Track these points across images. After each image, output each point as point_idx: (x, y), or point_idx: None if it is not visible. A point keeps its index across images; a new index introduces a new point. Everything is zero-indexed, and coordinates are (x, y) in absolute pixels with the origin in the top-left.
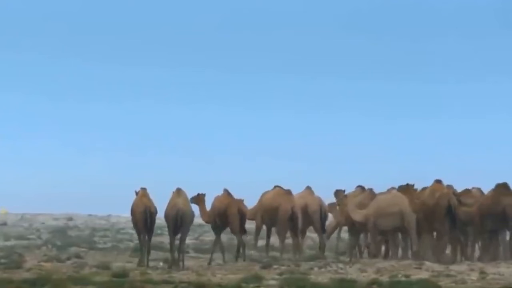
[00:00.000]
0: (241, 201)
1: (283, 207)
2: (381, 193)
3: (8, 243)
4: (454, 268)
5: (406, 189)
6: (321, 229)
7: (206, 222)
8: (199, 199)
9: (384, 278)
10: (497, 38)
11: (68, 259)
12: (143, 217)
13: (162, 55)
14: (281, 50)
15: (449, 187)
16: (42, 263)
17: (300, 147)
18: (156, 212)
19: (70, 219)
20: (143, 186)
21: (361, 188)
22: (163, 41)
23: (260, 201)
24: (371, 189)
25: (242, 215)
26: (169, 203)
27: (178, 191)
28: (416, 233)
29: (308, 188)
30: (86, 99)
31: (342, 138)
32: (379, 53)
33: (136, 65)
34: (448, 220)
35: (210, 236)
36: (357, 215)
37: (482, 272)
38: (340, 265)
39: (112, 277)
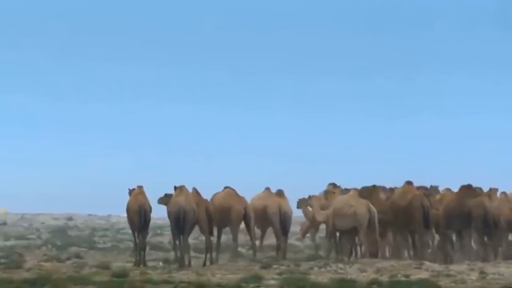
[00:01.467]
0: (207, 201)
1: (236, 208)
2: (341, 194)
3: (8, 243)
4: (454, 268)
5: (373, 190)
6: (281, 231)
7: None
8: (165, 199)
9: (384, 278)
10: (497, 37)
11: (68, 259)
12: (138, 215)
13: (162, 55)
14: (281, 50)
15: (421, 188)
16: (42, 263)
17: (300, 147)
18: (151, 211)
19: (70, 219)
20: (140, 184)
21: (333, 185)
22: (163, 41)
23: (210, 202)
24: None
25: (210, 215)
26: (171, 202)
27: (181, 189)
28: (379, 234)
29: (267, 189)
30: (86, 99)
31: (342, 138)
32: (379, 53)
33: (136, 65)
34: (421, 221)
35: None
36: (320, 216)
37: (482, 272)
38: (340, 265)
39: (112, 277)
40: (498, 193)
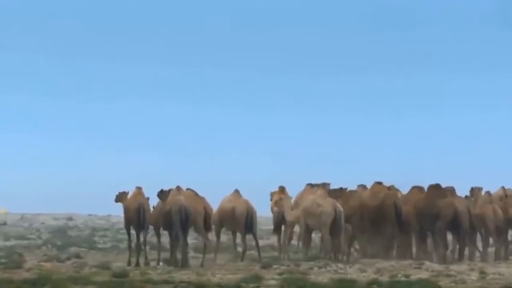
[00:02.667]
0: (204, 199)
1: (195, 209)
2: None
3: (8, 243)
4: (454, 268)
5: (339, 192)
6: (247, 232)
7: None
8: (122, 197)
9: (384, 278)
10: (497, 37)
11: (68, 259)
12: (137, 214)
13: (162, 55)
14: (281, 49)
15: (392, 187)
16: (42, 263)
17: (300, 147)
18: (149, 210)
19: (70, 219)
20: (139, 185)
21: (310, 185)
22: (163, 40)
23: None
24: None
25: (208, 214)
26: (169, 201)
27: (178, 188)
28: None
29: (236, 191)
30: (86, 99)
31: (342, 137)
32: (379, 53)
33: (136, 64)
34: (394, 220)
35: (210, 236)
36: (290, 216)
37: (482, 272)
38: (340, 265)
39: (112, 277)
40: (483, 193)
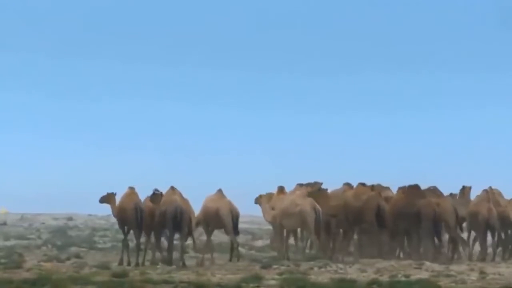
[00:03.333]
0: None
1: (169, 210)
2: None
3: (8, 243)
4: (454, 268)
5: (321, 192)
6: (233, 232)
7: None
8: (109, 197)
9: (384, 278)
10: (497, 36)
11: (68, 259)
12: (134, 214)
13: (162, 54)
14: (281, 49)
15: (377, 187)
16: (42, 263)
17: (300, 146)
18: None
19: (70, 219)
20: (131, 186)
21: (299, 185)
22: (163, 40)
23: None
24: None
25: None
26: (165, 201)
27: (173, 189)
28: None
29: (220, 191)
30: (86, 99)
31: (342, 137)
32: (379, 53)
33: (136, 64)
34: (375, 221)
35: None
36: (268, 216)
37: (482, 272)
38: (340, 265)
39: (112, 277)
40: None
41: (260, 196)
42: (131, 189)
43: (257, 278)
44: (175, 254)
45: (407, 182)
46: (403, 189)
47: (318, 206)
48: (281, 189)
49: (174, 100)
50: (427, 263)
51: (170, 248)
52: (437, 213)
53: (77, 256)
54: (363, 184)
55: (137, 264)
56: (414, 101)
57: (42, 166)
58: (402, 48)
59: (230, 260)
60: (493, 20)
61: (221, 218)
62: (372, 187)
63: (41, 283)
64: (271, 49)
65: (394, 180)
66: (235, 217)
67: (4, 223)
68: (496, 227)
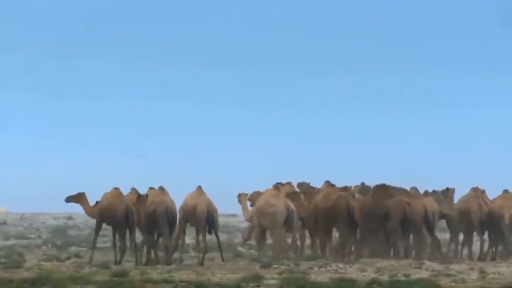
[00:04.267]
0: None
1: (159, 210)
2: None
3: (8, 243)
4: (454, 267)
5: (295, 193)
6: (207, 230)
7: (94, 218)
8: (80, 197)
9: (384, 278)
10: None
11: (68, 258)
12: (125, 215)
13: (162, 54)
14: (279, 49)
15: (346, 188)
16: (42, 263)
17: (300, 146)
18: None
19: (70, 218)
20: (116, 186)
21: (279, 184)
22: (162, 40)
23: (100, 201)
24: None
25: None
26: (154, 201)
27: (162, 189)
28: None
29: (199, 188)
30: (86, 99)
31: (341, 136)
32: (378, 52)
33: (136, 64)
34: (346, 221)
35: (210, 236)
36: (246, 214)
37: (482, 272)
38: (340, 265)
39: (112, 276)
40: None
41: (239, 195)
42: (117, 189)
43: (257, 278)
44: (176, 254)
45: (407, 182)
46: (373, 189)
47: (292, 206)
48: (277, 187)
49: (174, 100)
50: (427, 263)
51: (157, 248)
52: (406, 213)
53: (77, 255)
54: (331, 185)
55: (116, 264)
56: (414, 100)
57: (42, 165)
58: (402, 48)
59: (202, 263)
60: (493, 19)
61: (197, 216)
62: (345, 188)
63: (41, 283)
64: (271, 48)
65: (394, 180)
66: (211, 214)
67: (4, 223)
68: (486, 224)
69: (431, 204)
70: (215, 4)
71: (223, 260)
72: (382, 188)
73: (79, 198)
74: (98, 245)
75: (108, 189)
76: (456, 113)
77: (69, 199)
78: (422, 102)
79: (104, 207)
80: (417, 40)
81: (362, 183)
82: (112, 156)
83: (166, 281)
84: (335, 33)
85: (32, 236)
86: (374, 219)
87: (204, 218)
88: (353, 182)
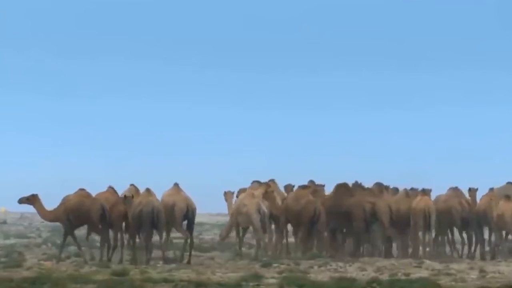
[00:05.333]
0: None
1: (146, 210)
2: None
3: (8, 242)
4: (454, 266)
5: (267, 194)
6: (182, 228)
7: (51, 221)
8: (34, 199)
9: (384, 277)
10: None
11: (68, 257)
12: (100, 213)
13: (161, 53)
14: (279, 48)
15: (319, 186)
16: (42, 262)
17: (299, 146)
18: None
19: None
20: (111, 185)
21: (257, 182)
22: (163, 40)
23: (63, 203)
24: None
25: (125, 214)
26: (140, 202)
27: (148, 191)
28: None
29: (176, 185)
30: (86, 98)
31: (340, 136)
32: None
33: (136, 64)
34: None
35: (210, 235)
36: (229, 211)
37: (482, 271)
38: (340, 264)
39: (112, 275)
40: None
41: (225, 193)
42: (83, 190)
43: (257, 277)
44: (176, 254)
45: (407, 181)
46: (334, 188)
47: (263, 207)
48: (268, 184)
49: (174, 100)
50: (427, 262)
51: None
52: (367, 212)
53: (77, 255)
54: (303, 187)
55: (135, 263)
56: (412, 99)
57: (41, 165)
58: (401, 47)
59: (181, 260)
60: (492, 16)
61: (175, 214)
62: (310, 187)
63: (41, 282)
64: (269, 48)
65: (394, 180)
66: (191, 212)
67: (4, 222)
68: (470, 221)
69: (401, 203)
70: (215, 4)
71: (188, 263)
72: (343, 187)
73: (32, 199)
74: (98, 244)
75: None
76: (456, 113)
77: (22, 200)
78: (421, 101)
79: (73, 208)
80: (417, 40)
81: (356, 182)
82: (112, 156)
83: (166, 280)
84: (335, 31)
85: (32, 235)
86: (334, 218)
87: (182, 216)
88: (349, 181)
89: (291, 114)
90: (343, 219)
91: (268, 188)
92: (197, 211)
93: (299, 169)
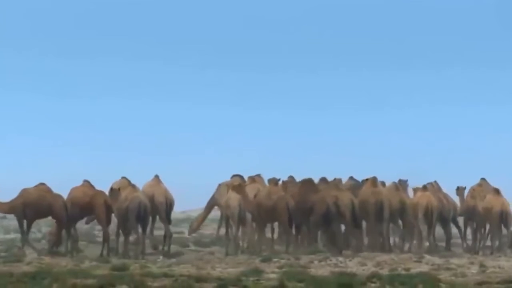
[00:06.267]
0: (104, 192)
1: (132, 206)
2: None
3: (8, 236)
4: (454, 261)
5: (238, 188)
6: (167, 220)
7: (6, 213)
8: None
9: (384, 272)
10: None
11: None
12: (63, 207)
13: (161, 53)
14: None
15: (290, 184)
16: (42, 257)
17: (299, 145)
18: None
19: None
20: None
21: (239, 177)
22: (163, 40)
23: (21, 196)
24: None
25: (108, 207)
26: (126, 197)
27: (133, 187)
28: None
29: (156, 177)
30: (86, 98)
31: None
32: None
33: (136, 64)
34: (286, 220)
35: (210, 230)
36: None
37: (482, 266)
38: (340, 259)
39: (112, 270)
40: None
41: (219, 186)
42: (43, 184)
43: (257, 272)
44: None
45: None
46: (300, 184)
47: (242, 202)
48: (253, 178)
49: (174, 100)
50: (427, 257)
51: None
52: (330, 208)
53: (77, 249)
54: (275, 183)
55: (136, 257)
56: (412, 99)
57: (41, 162)
58: (401, 47)
59: (163, 248)
60: (491, 15)
61: (156, 205)
62: (284, 184)
63: (41, 277)
64: (269, 48)
65: (394, 180)
66: (169, 205)
67: (4, 217)
68: (448, 217)
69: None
70: (215, 4)
71: (167, 256)
72: (308, 183)
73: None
74: (98, 239)
75: (107, 184)
76: (456, 112)
77: None
78: (420, 101)
79: (33, 202)
80: (417, 39)
81: (351, 177)
82: (112, 156)
83: (166, 275)
84: (334, 31)
85: (32, 230)
86: (299, 213)
87: (163, 208)
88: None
89: (291, 114)
90: (307, 215)
91: (251, 183)
92: (198, 207)
93: (299, 169)
